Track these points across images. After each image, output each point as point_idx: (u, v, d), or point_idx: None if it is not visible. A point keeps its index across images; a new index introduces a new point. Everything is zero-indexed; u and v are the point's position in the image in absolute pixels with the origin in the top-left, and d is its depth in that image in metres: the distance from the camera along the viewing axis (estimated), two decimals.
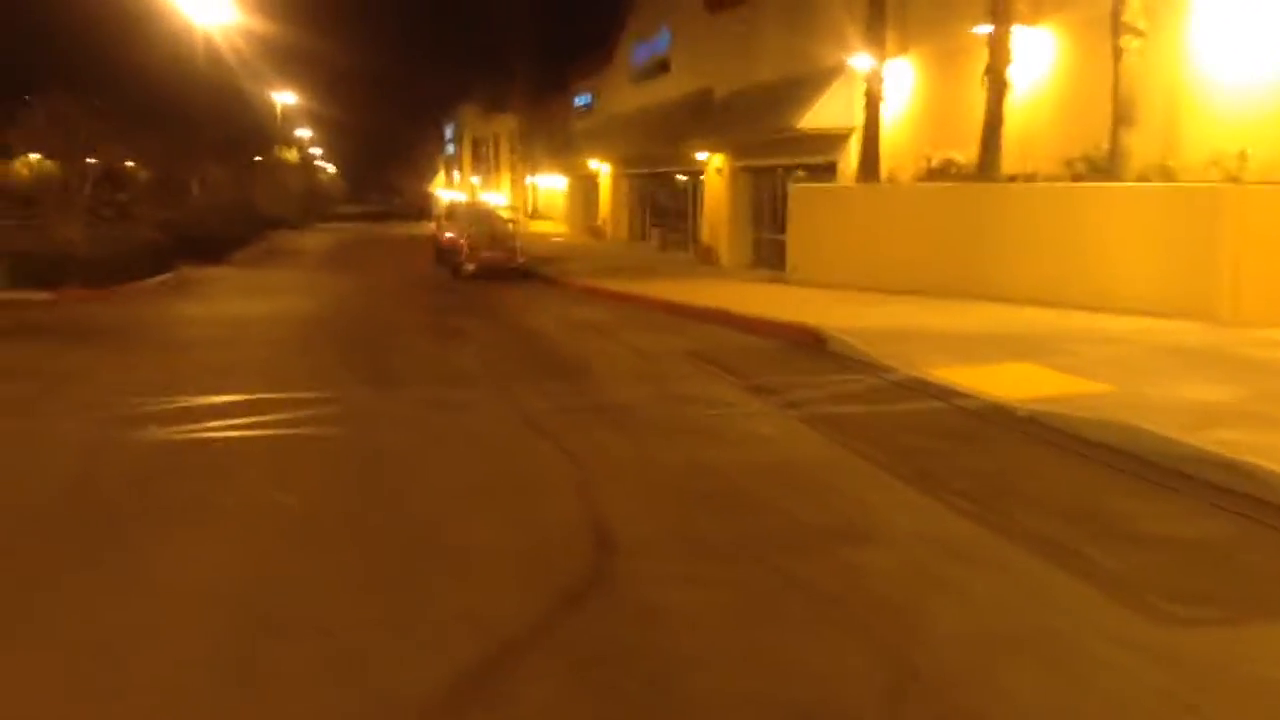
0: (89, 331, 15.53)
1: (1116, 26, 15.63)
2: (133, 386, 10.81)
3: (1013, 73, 18.55)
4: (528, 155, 49.29)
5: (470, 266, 27.34)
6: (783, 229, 27.83)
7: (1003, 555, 5.68)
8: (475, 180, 67.36)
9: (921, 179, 20.61)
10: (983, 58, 19.73)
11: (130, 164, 42.34)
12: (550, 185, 51.27)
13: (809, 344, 13.08)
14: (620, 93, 40.80)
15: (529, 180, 50.05)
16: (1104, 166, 15.96)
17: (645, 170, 38.66)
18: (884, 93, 22.39)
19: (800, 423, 8.88)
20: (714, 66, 31.36)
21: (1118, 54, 15.69)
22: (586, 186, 45.86)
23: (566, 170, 48.40)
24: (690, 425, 8.88)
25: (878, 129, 22.39)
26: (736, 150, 29.50)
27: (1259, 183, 13.48)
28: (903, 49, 22.22)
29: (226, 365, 12.24)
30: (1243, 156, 14.05)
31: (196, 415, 9.30)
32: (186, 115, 39.13)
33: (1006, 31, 18.49)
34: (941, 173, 19.99)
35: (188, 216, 37.97)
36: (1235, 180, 13.95)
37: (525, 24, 46.33)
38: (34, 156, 35.62)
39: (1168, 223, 14.24)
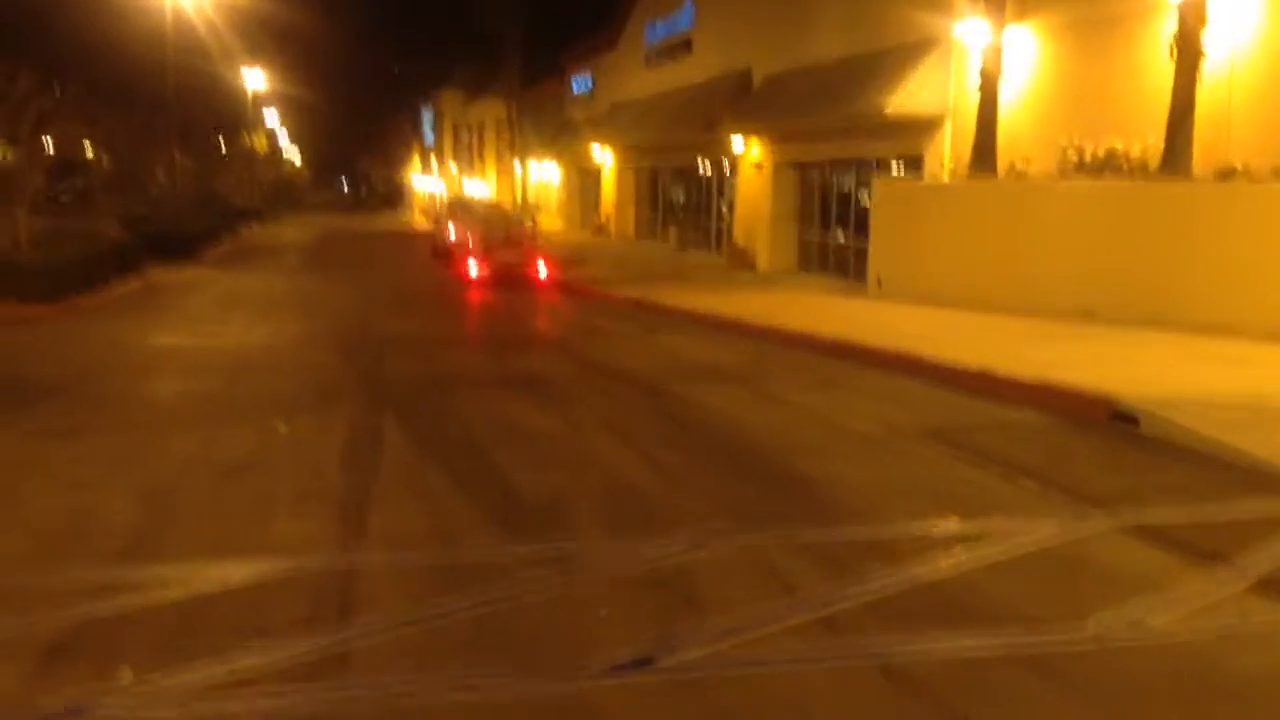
0: (20, 386, 10.57)
1: None
2: (88, 534, 5.99)
3: (1207, 42, 14.15)
4: (517, 144, 44.16)
5: (483, 271, 22.60)
6: (837, 229, 23.44)
7: None
8: (454, 169, 61.98)
9: (1066, 173, 16.10)
10: (1142, 26, 15.34)
11: (90, 150, 37.04)
12: (542, 176, 46.23)
13: (1093, 420, 8.53)
14: (629, 76, 35.89)
15: (518, 171, 44.90)
16: None
17: (659, 161, 33.88)
18: (998, 70, 17.88)
19: None
20: (751, 45, 26.64)
21: None
22: (586, 178, 40.95)
23: (563, 160, 43.32)
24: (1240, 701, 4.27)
25: (995, 114, 17.86)
26: (783, 138, 24.85)
27: None
28: (1020, 17, 17.68)
29: (240, 463, 7.41)
30: None
31: (229, 631, 4.57)
32: (152, 96, 33.75)
33: None
34: (1100, 167, 15.49)
35: (153, 209, 32.77)
36: None
37: (516, 2, 41.19)
38: None
39: None
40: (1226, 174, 13.53)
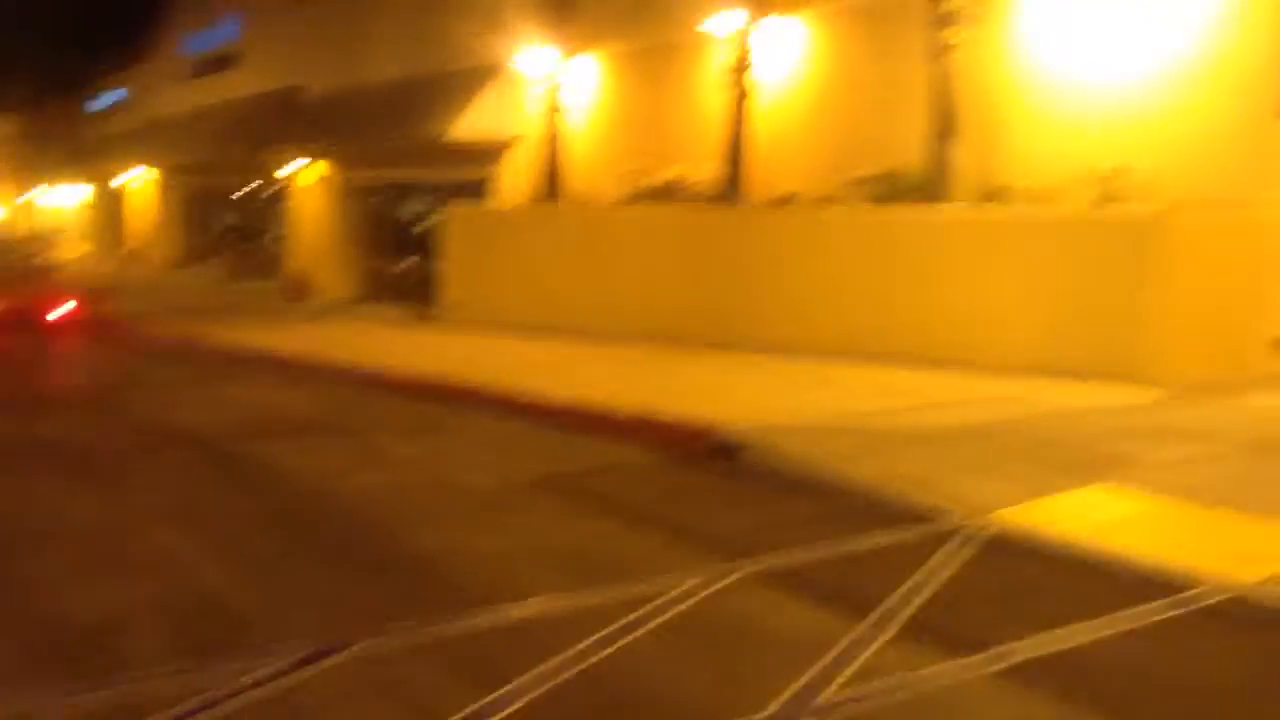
0: None
1: (940, 16, 12.33)
2: None
3: (758, 74, 14.88)
4: (33, 163, 38.86)
5: None
6: (406, 256, 22.49)
7: None
8: None
9: (633, 200, 16.35)
10: (696, 58, 15.97)
11: None
12: (68, 200, 40.99)
13: (698, 453, 8.31)
14: (169, 90, 32.69)
15: (34, 193, 39.45)
16: (919, 186, 12.61)
17: (205, 182, 31.06)
18: (565, 97, 17.92)
19: (1052, 700, 4.24)
20: (306, 61, 25.09)
21: (938, 49, 12.41)
22: (119, 201, 36.82)
23: (93, 181, 38.67)
24: None
25: (562, 140, 17.86)
26: (344, 161, 23.56)
27: (1200, 207, 10.62)
28: (586, 46, 17.82)
29: None
30: (1119, 173, 11.19)
31: None
32: None
33: (751, 24, 14.77)
34: (665, 193, 15.84)
35: None
36: (1113, 201, 11.07)
37: (29, 8, 36.24)
38: None
39: (1065, 258, 10.99)
40: (781, 201, 14.23)
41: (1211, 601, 5.16)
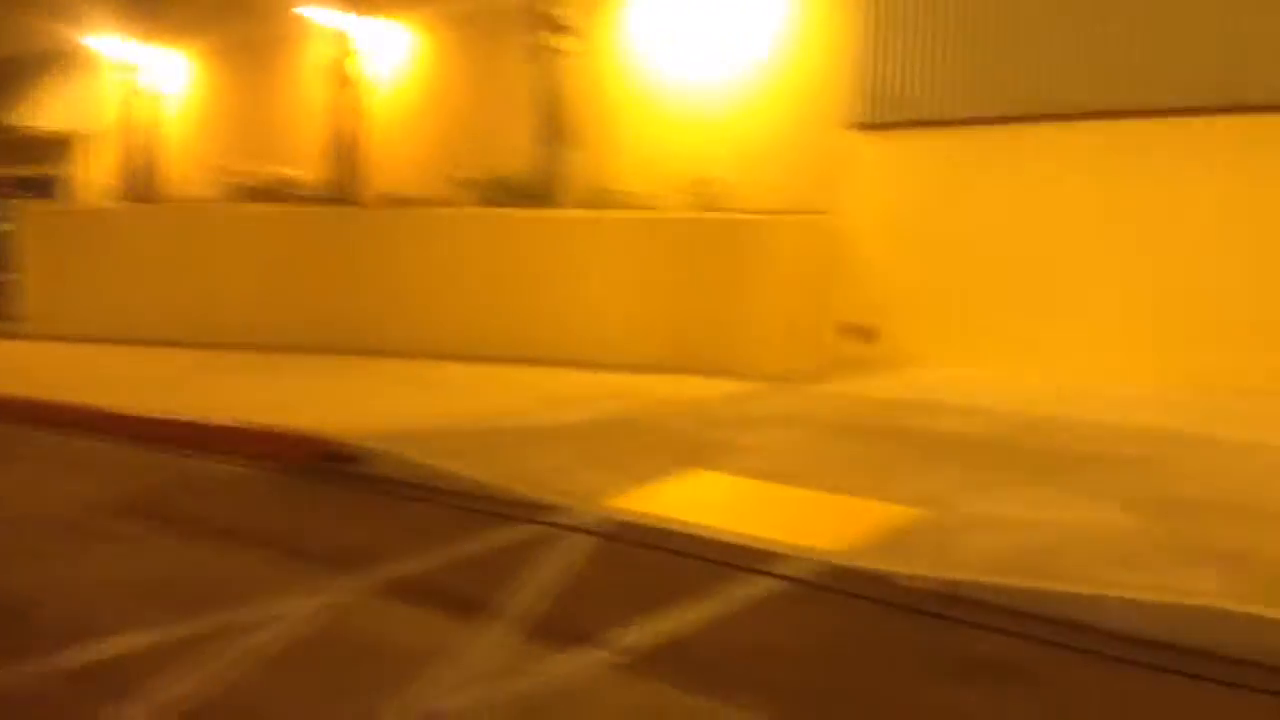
0: None
1: (538, 20, 12.57)
2: None
3: (366, 76, 14.55)
4: None
5: None
6: None
7: None
8: None
9: (238, 199, 15.39)
10: (301, 53, 15.39)
11: None
12: None
13: (310, 464, 7.90)
14: None
15: None
16: (529, 190, 12.80)
17: None
18: (157, 90, 16.61)
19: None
20: None
21: (541, 56, 12.65)
22: None
23: None
24: None
25: (152, 136, 16.52)
26: None
27: (784, 212, 11.45)
28: (181, 34, 16.59)
29: None
30: (708, 179, 11.95)
31: None
32: None
33: (354, 25, 14.41)
34: (273, 193, 15.04)
35: None
36: (710, 208, 11.82)
37: None
38: None
39: (666, 261, 11.48)
40: (394, 202, 13.95)
41: (806, 573, 5.55)
